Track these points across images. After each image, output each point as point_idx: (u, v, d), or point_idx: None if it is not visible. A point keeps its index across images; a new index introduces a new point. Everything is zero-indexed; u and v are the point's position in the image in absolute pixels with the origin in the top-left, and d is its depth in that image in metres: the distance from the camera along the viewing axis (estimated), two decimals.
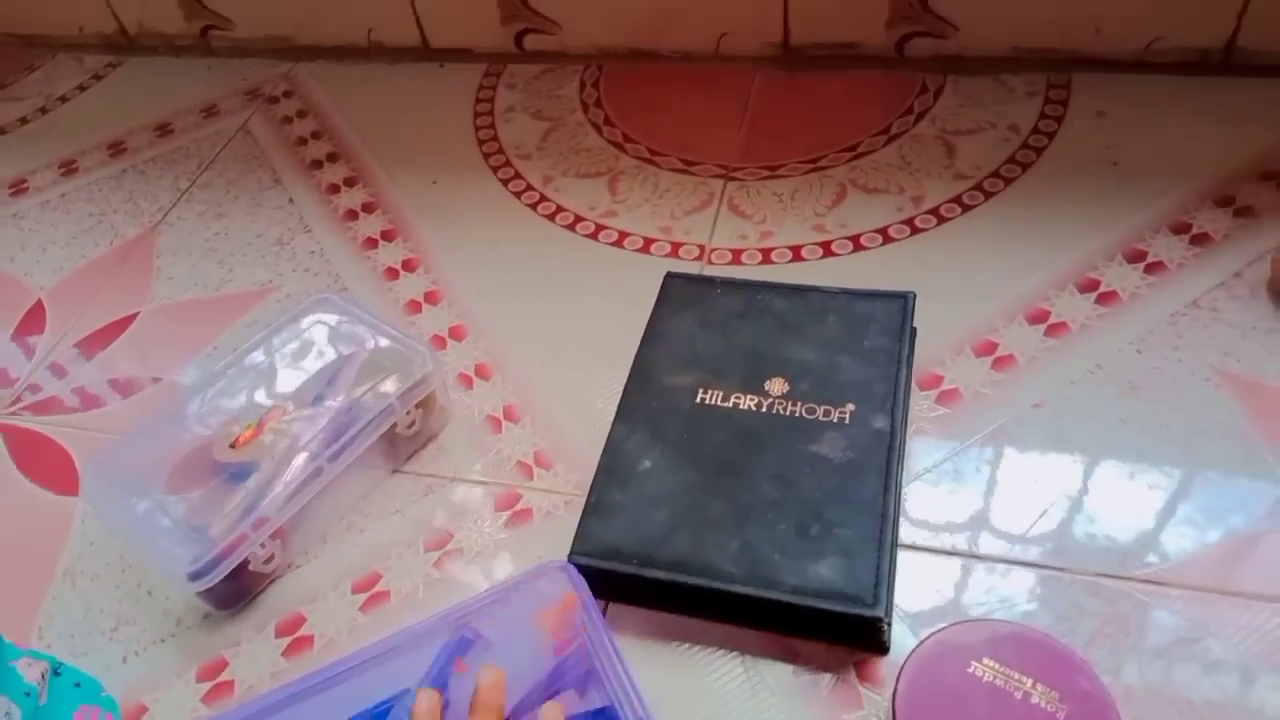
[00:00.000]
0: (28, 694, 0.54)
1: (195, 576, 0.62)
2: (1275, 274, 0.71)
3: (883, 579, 0.57)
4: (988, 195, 0.84)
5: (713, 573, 0.59)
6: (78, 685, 0.60)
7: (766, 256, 0.83)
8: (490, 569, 0.66)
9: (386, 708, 0.55)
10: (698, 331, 0.72)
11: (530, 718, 0.53)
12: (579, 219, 0.91)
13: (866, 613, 0.56)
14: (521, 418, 0.75)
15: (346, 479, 0.70)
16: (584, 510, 0.63)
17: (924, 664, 0.53)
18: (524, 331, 0.82)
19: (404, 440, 0.73)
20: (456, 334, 0.83)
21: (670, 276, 0.77)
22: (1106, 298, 0.74)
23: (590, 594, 0.57)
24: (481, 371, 0.79)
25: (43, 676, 0.58)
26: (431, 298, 0.87)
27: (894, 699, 0.52)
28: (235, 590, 0.66)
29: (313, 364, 0.74)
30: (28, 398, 0.86)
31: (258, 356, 0.75)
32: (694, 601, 0.60)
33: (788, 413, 0.66)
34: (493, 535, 0.68)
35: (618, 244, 0.88)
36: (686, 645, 0.61)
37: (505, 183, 0.97)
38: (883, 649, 0.59)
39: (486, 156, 1.01)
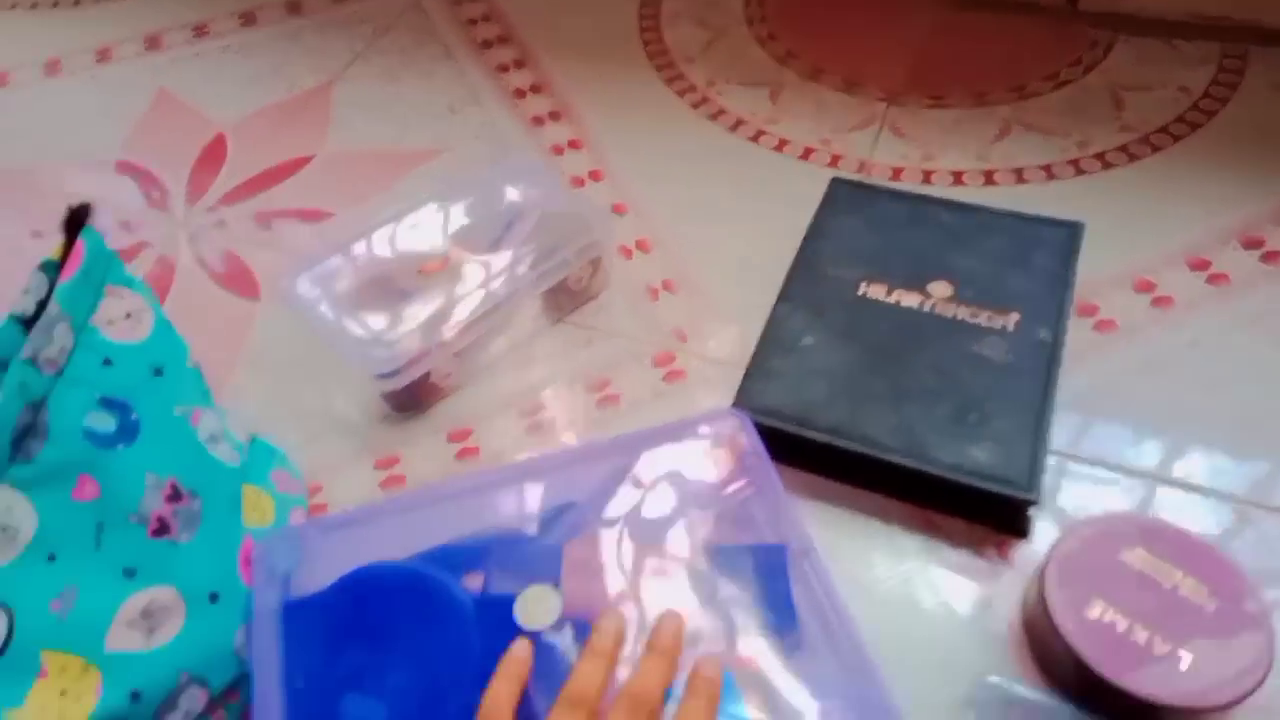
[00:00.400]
0: (237, 449, 0.59)
1: (384, 377, 0.67)
2: None
3: (1037, 468, 0.60)
4: (1155, 149, 0.85)
5: (869, 442, 0.62)
6: (270, 454, 0.66)
7: (927, 178, 0.85)
8: (646, 416, 0.70)
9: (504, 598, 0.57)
10: (863, 232, 0.75)
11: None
12: (740, 122, 0.94)
13: (1021, 495, 0.59)
14: (678, 290, 0.79)
15: (516, 318, 0.74)
16: (746, 372, 0.67)
17: (1078, 544, 0.56)
18: (683, 217, 0.85)
19: (570, 295, 0.77)
20: (617, 210, 0.87)
21: (837, 181, 0.80)
22: (1272, 256, 0.75)
23: (760, 440, 0.60)
24: (641, 245, 0.83)
25: (247, 437, 0.63)
26: (595, 176, 0.90)
27: (1043, 574, 0.55)
28: (414, 397, 0.71)
29: (493, 213, 0.78)
30: (233, 217, 0.92)
31: (438, 202, 0.79)
32: (846, 467, 0.64)
33: (950, 315, 0.68)
34: (649, 387, 0.72)
35: (778, 149, 0.91)
36: (832, 506, 0.64)
37: (668, 82, 1.00)
38: (1023, 533, 0.62)
39: (650, 56, 1.04)
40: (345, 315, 0.71)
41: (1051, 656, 0.55)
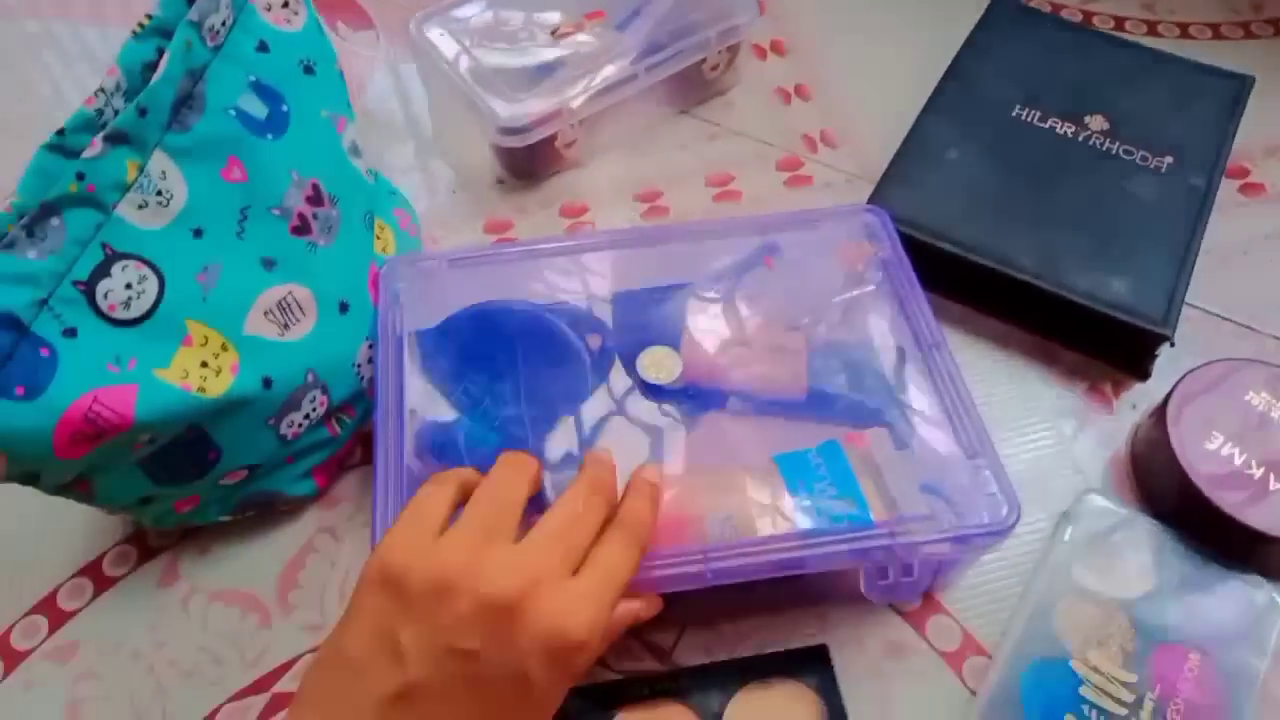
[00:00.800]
0: (370, 172, 0.58)
1: (509, 132, 0.65)
2: None
3: (1175, 306, 0.58)
4: None
5: (1006, 260, 0.60)
6: (392, 192, 0.65)
7: (1088, 19, 0.81)
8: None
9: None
10: (1022, 54, 0.71)
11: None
12: None
13: (1155, 329, 0.57)
14: (812, 97, 0.76)
15: (642, 102, 0.72)
16: (883, 176, 0.65)
17: (1206, 378, 0.55)
18: (824, 23, 0.81)
19: (700, 85, 0.74)
20: None
21: (997, 1, 0.76)
22: None
23: (899, 239, 0.58)
24: (776, 47, 0.79)
25: (369, 173, 0.62)
26: None
27: (1166, 401, 0.55)
28: (532, 163, 0.70)
29: None
30: None
31: None
32: (974, 286, 0.62)
33: (1104, 148, 0.66)
34: (772, 190, 0.70)
35: None
36: (951, 328, 0.63)
37: None
38: (1145, 374, 0.61)
39: None
40: (471, 67, 0.68)
41: (1160, 485, 0.55)
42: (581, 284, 0.58)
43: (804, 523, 0.46)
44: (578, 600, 0.38)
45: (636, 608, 0.45)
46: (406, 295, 0.56)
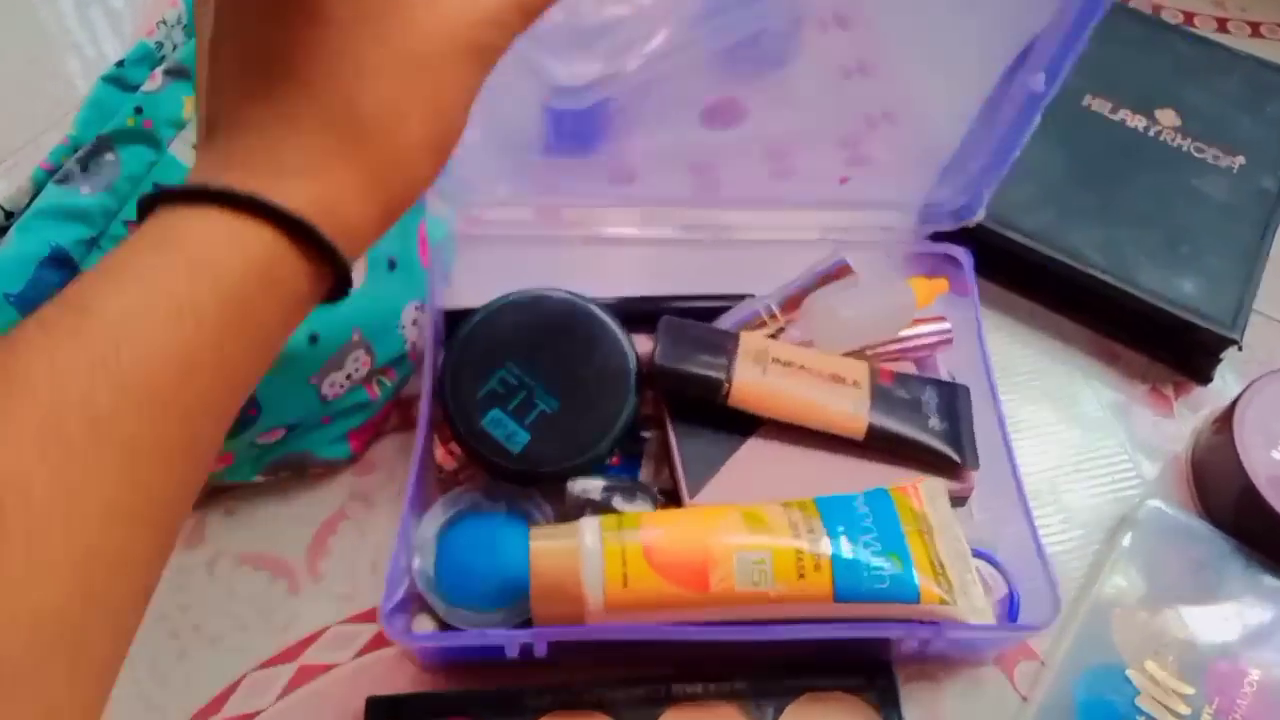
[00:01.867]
0: None
1: (564, 93, 0.63)
2: None
3: (1244, 310, 0.57)
4: None
5: (1072, 253, 0.59)
6: None
7: (1156, 11, 0.78)
8: (823, 194, 0.66)
9: None
10: (1093, 44, 0.68)
11: None
12: None
13: (1224, 332, 0.56)
14: (875, 74, 0.73)
15: (699, 70, 0.69)
16: (948, 164, 0.63)
17: (1272, 387, 0.54)
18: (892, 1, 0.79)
19: (760, 54, 0.72)
20: None
21: None
22: None
23: (975, 282, 0.56)
24: (840, 21, 0.77)
25: None
26: None
27: (1233, 407, 0.53)
28: (584, 126, 0.67)
29: None
30: None
31: None
32: (1036, 277, 0.61)
33: (1174, 144, 0.64)
34: (830, 168, 0.68)
35: None
36: (1011, 319, 0.62)
37: None
38: (1207, 378, 0.59)
39: None
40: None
41: (1222, 493, 0.54)
42: (634, 275, 0.57)
43: (843, 578, 0.43)
44: None
45: None
46: (458, 271, 0.54)
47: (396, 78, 0.28)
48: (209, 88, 0.29)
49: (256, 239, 0.27)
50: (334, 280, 0.29)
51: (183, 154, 0.43)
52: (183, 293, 0.25)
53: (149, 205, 0.27)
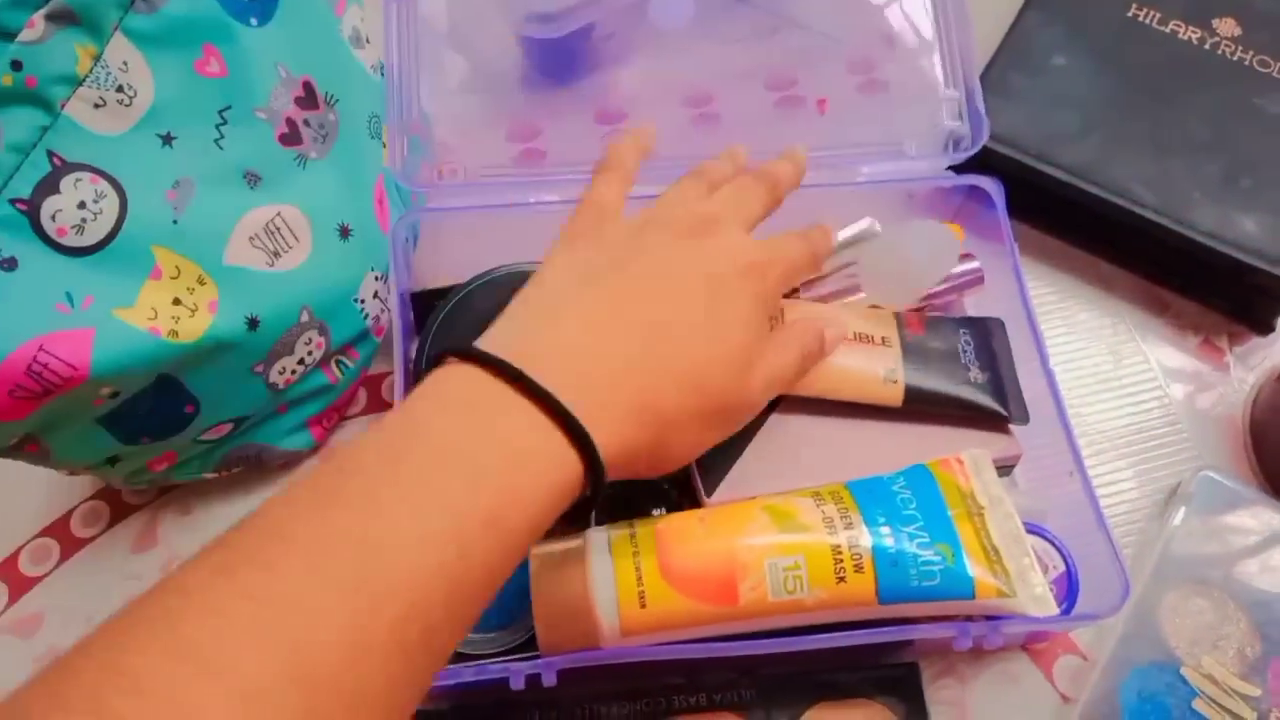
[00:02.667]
0: (377, 68, 0.49)
1: (540, 20, 0.56)
2: None
3: None
4: None
5: (1119, 190, 0.52)
6: None
7: None
8: (834, 126, 0.59)
9: None
10: None
11: None
12: None
13: None
14: None
15: None
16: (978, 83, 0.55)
17: None
18: None
19: None
20: None
21: None
22: None
23: (1009, 221, 0.49)
24: None
25: (376, 67, 0.53)
26: None
27: None
28: (564, 59, 0.60)
29: None
30: None
31: None
32: (1078, 218, 0.54)
33: (1234, 57, 0.56)
34: (843, 96, 0.60)
35: None
36: (1050, 266, 0.55)
37: None
38: (1268, 327, 0.53)
39: None
40: None
41: None
42: None
43: (887, 578, 0.38)
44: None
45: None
46: (423, 249, 0.48)
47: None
48: None
49: (568, 464, 0.31)
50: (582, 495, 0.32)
51: (83, 116, 0.37)
52: (492, 508, 0.28)
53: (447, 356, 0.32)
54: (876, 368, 0.44)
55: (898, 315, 0.47)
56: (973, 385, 0.45)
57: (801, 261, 0.42)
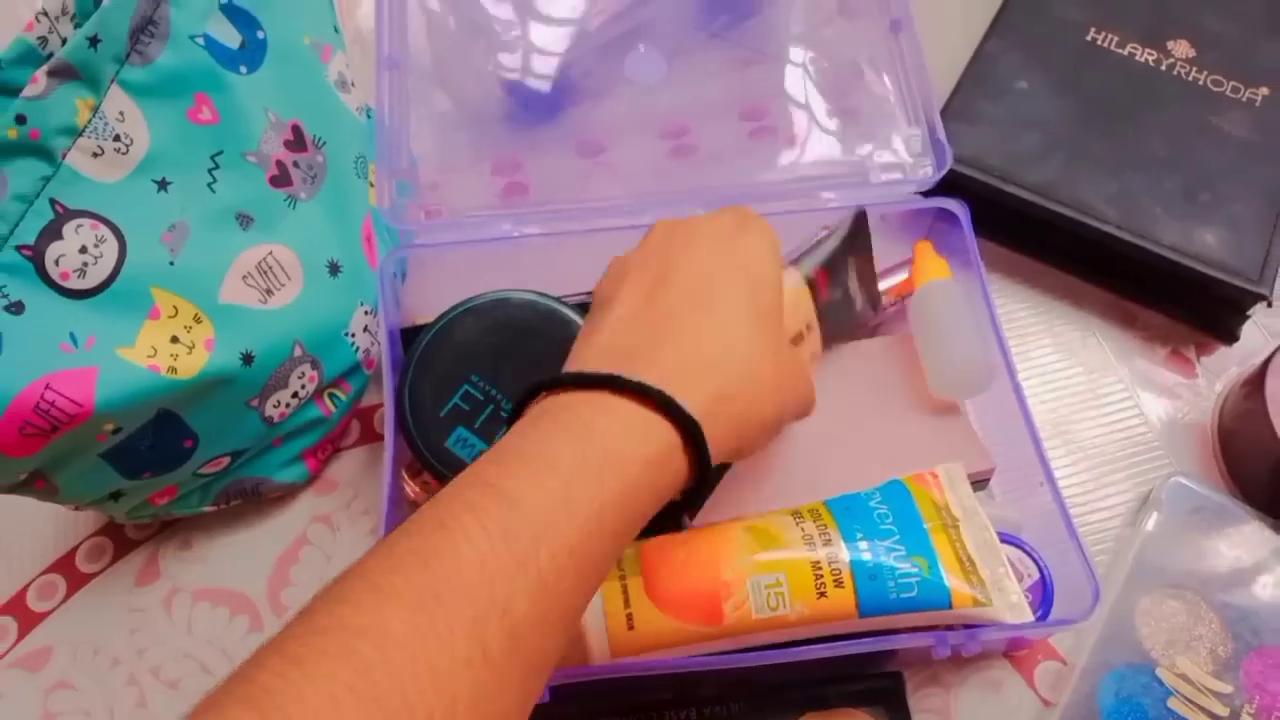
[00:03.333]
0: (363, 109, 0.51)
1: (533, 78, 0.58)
2: None
3: (1271, 262, 0.52)
4: None
5: (1082, 207, 0.54)
6: None
7: None
8: (807, 154, 0.61)
9: None
10: None
11: None
12: None
13: (1250, 287, 0.51)
14: (858, 17, 0.67)
15: (668, 25, 0.64)
16: (942, 110, 0.57)
17: None
18: None
19: (732, 2, 0.66)
20: None
21: None
22: None
23: (973, 235, 0.50)
24: None
25: (361, 109, 0.55)
26: None
27: (1264, 370, 0.49)
28: (544, 95, 0.62)
29: None
30: None
31: None
32: (1043, 236, 0.56)
33: (1189, 78, 0.58)
34: (815, 122, 0.63)
35: None
36: (1018, 283, 0.57)
37: None
38: (1232, 337, 0.55)
39: None
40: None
41: (1253, 464, 0.49)
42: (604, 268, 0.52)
43: (867, 591, 0.39)
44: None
45: None
46: (411, 283, 0.50)
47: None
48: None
49: (660, 435, 0.30)
50: (686, 490, 0.32)
51: (83, 165, 0.38)
52: (593, 493, 0.28)
53: (551, 387, 0.32)
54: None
55: (811, 286, 0.47)
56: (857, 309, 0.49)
57: None
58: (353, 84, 0.50)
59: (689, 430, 0.31)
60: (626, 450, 0.29)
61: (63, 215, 0.38)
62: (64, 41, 0.40)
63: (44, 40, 0.39)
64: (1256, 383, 0.49)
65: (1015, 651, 0.46)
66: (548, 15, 0.61)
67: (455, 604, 0.24)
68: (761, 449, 0.37)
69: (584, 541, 0.27)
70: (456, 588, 0.24)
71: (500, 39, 0.59)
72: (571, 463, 0.28)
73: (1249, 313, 0.53)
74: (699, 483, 0.32)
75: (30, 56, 0.39)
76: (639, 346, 0.33)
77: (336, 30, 0.49)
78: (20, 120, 0.37)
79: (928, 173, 0.53)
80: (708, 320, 0.35)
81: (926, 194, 0.53)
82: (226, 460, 0.46)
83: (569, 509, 0.27)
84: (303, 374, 0.46)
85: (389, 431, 0.45)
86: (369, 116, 0.54)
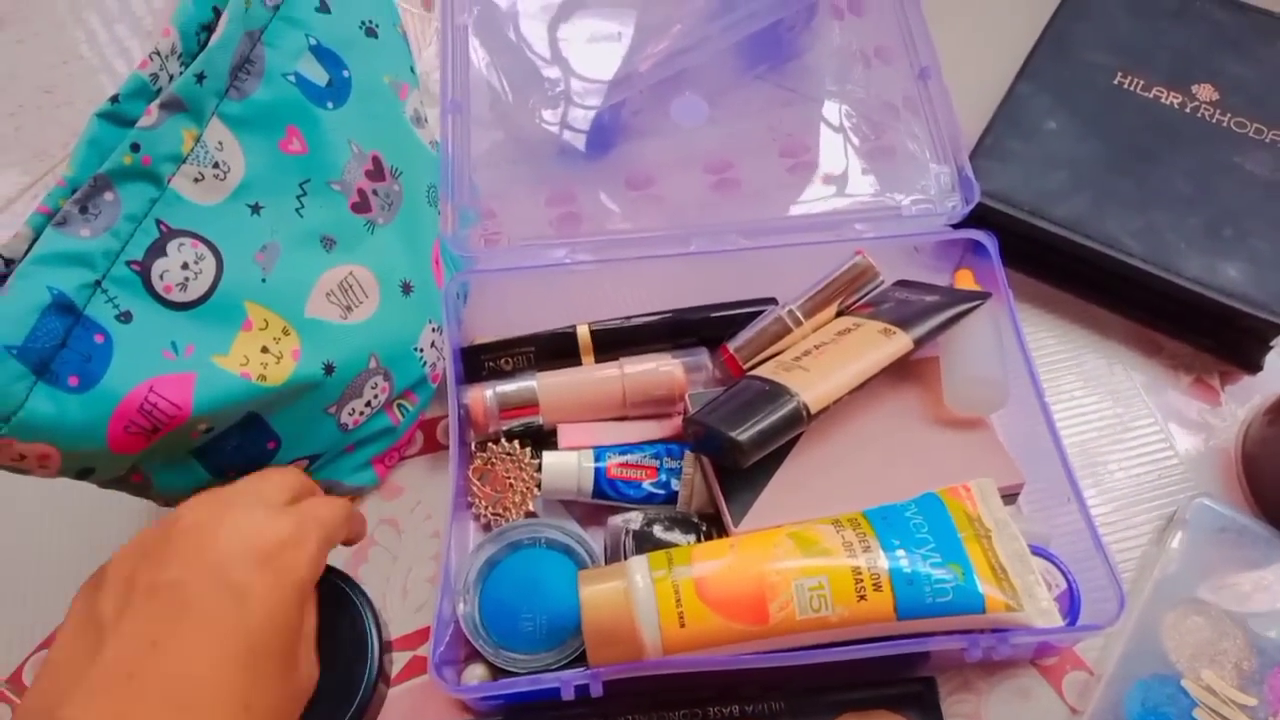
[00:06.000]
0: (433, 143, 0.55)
1: (571, 100, 0.62)
2: None
3: None
4: None
5: (1109, 242, 0.56)
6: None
7: None
8: (845, 189, 0.64)
9: None
10: (1125, 18, 0.66)
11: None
12: None
13: (1273, 319, 0.53)
14: (893, 60, 0.71)
15: (714, 67, 0.67)
16: (976, 149, 0.60)
17: None
18: None
19: (775, 46, 0.69)
20: None
21: None
22: None
23: (1002, 266, 0.54)
24: (854, 7, 0.74)
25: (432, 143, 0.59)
26: None
27: None
28: (597, 131, 0.66)
29: None
30: None
31: None
32: (1071, 269, 0.58)
33: (1213, 120, 0.61)
34: (851, 160, 0.66)
35: None
36: (1047, 312, 0.59)
37: None
38: (1256, 366, 0.57)
39: None
40: (533, 27, 0.64)
41: (1275, 488, 0.51)
42: (652, 294, 0.57)
43: (905, 595, 0.42)
44: (272, 510, 0.36)
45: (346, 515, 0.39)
46: (472, 304, 0.54)
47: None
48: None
49: None
50: None
51: (185, 189, 0.42)
52: None
53: None
54: (877, 333, 0.51)
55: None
56: (938, 305, 0.51)
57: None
58: (425, 120, 0.54)
59: None
60: None
61: (167, 234, 0.42)
62: (171, 78, 0.44)
63: (155, 77, 0.43)
64: (1277, 411, 0.51)
65: (1044, 660, 0.48)
66: (598, 59, 0.65)
67: None
68: None
69: None
70: None
71: (553, 82, 0.63)
72: None
73: (1271, 343, 0.56)
74: None
75: (144, 91, 0.43)
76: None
77: (413, 70, 0.53)
78: (135, 148, 0.41)
79: (956, 207, 0.56)
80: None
81: (957, 227, 0.56)
82: (305, 463, 0.49)
83: None
84: (375, 385, 0.49)
85: (453, 441, 0.48)
86: (440, 150, 0.58)
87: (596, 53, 0.64)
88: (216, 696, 0.31)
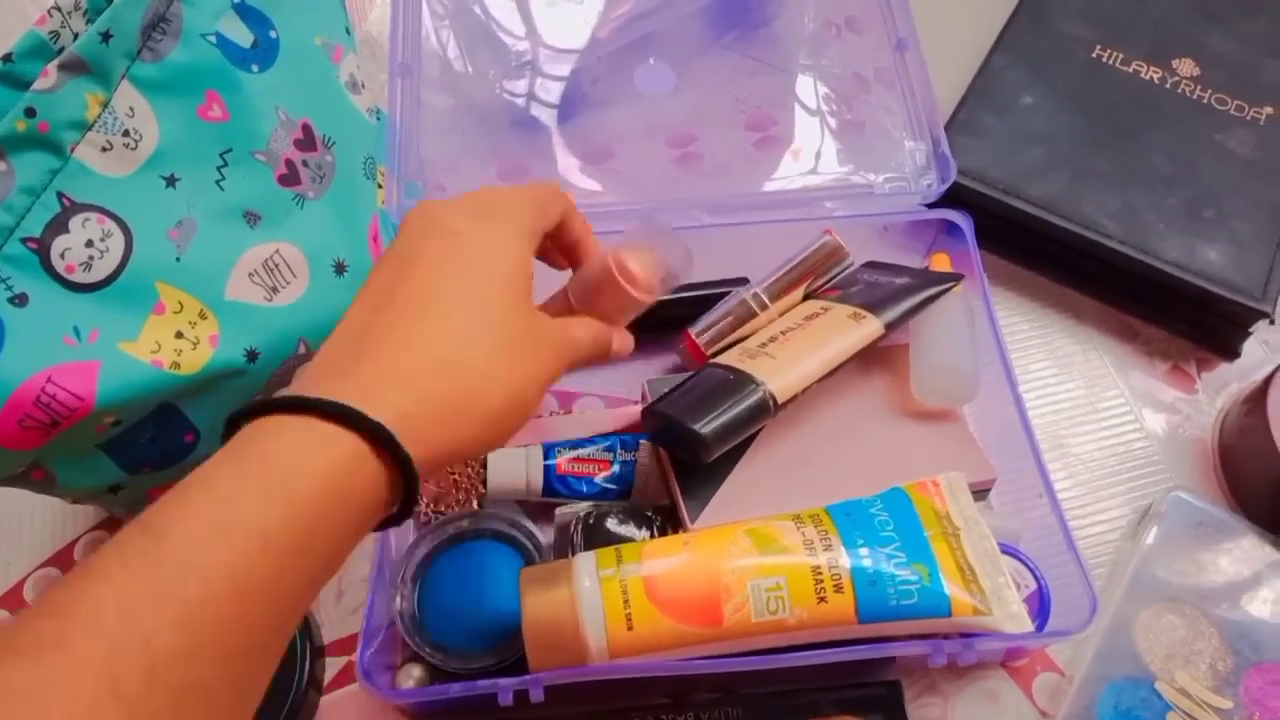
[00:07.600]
0: (373, 110, 0.51)
1: (524, 69, 0.58)
2: None
3: (1274, 279, 0.52)
4: None
5: (1086, 223, 0.54)
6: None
7: None
8: (811, 165, 0.62)
9: None
10: None
11: None
12: None
13: (1253, 304, 0.51)
14: (865, 30, 0.68)
15: (677, 34, 0.64)
16: (947, 124, 0.58)
17: None
18: None
19: (741, 13, 0.66)
20: None
21: None
22: None
23: (977, 248, 0.51)
24: None
25: (372, 110, 0.55)
26: None
27: (1266, 387, 0.49)
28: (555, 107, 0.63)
29: None
30: None
31: None
32: (1045, 251, 0.56)
33: (1194, 96, 0.59)
34: (820, 134, 0.63)
35: None
36: (1019, 296, 0.57)
37: None
38: (1233, 353, 0.55)
39: None
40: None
41: (1253, 480, 0.50)
42: None
43: (867, 597, 0.39)
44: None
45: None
46: None
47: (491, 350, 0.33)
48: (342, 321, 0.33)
49: (337, 443, 0.28)
50: (400, 500, 0.30)
51: (92, 159, 0.38)
52: (255, 514, 0.26)
53: (239, 420, 0.29)
54: (845, 318, 0.48)
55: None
56: (909, 288, 0.49)
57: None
58: (363, 86, 0.50)
59: (376, 435, 0.29)
60: (294, 466, 0.27)
61: (69, 209, 0.38)
62: (76, 36, 0.40)
63: (55, 35, 0.39)
64: (1258, 399, 0.49)
65: (1013, 662, 0.46)
66: (558, 23, 0.61)
67: (83, 647, 0.23)
68: (510, 435, 0.34)
69: (246, 565, 0.25)
70: (86, 631, 0.24)
71: (510, 47, 0.60)
72: (230, 486, 0.27)
73: (1250, 329, 0.54)
74: (412, 483, 0.30)
75: (42, 50, 0.39)
76: (340, 363, 0.32)
77: (348, 32, 0.49)
78: (29, 113, 0.37)
79: (931, 186, 0.53)
80: (422, 328, 0.32)
81: (931, 206, 0.53)
82: None
83: (223, 533, 0.26)
84: None
85: None
86: (378, 118, 0.54)
87: (558, 16, 0.60)
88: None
